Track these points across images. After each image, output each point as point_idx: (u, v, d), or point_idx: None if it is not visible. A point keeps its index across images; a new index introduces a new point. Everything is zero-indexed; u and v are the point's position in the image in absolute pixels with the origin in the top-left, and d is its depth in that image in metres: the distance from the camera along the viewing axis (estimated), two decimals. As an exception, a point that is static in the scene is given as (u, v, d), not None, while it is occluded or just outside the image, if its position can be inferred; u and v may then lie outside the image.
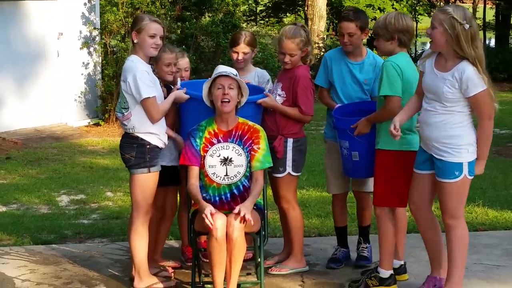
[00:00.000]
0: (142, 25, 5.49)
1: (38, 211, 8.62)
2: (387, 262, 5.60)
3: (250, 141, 5.46)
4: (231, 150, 5.44)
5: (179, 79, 5.91)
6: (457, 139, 5.01)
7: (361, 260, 6.18)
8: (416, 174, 5.26)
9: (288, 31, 5.87)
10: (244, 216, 5.09)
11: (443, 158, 5.05)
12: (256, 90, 5.90)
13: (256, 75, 6.26)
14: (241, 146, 5.45)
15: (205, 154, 5.43)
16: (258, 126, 5.56)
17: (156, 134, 5.47)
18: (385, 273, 5.58)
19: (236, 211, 5.13)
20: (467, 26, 4.86)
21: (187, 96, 5.65)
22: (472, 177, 5.11)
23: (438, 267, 5.43)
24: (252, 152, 5.45)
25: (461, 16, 4.88)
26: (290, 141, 5.89)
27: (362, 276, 5.73)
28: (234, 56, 6.18)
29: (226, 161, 5.43)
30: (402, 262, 5.77)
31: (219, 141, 5.45)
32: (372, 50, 6.36)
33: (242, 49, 6.15)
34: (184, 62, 6.20)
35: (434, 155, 5.09)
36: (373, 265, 6.00)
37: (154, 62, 5.80)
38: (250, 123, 5.53)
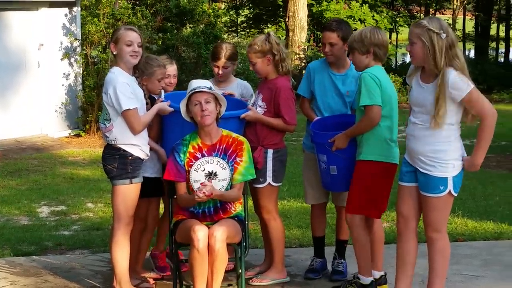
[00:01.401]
0: (118, 35, 5.52)
1: (18, 222, 8.58)
2: (366, 269, 5.63)
3: (235, 154, 5.48)
4: (216, 164, 5.45)
5: (162, 91, 5.93)
6: (444, 154, 5.02)
7: (336, 274, 6.19)
8: (401, 186, 5.27)
9: (250, 41, 6.02)
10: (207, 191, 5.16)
11: (428, 173, 5.06)
12: (239, 104, 5.93)
13: (238, 86, 6.29)
14: (226, 160, 5.46)
15: (189, 168, 5.44)
16: (242, 138, 5.58)
17: (138, 146, 5.49)
18: (366, 279, 5.62)
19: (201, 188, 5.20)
20: (443, 35, 4.91)
21: (170, 109, 5.66)
22: (456, 193, 5.13)
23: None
24: (235, 165, 5.46)
25: (437, 26, 4.94)
26: (270, 152, 5.92)
27: (342, 282, 5.78)
28: (215, 70, 6.24)
29: (211, 175, 5.44)
30: (382, 273, 5.80)
31: (203, 155, 5.46)
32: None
33: (223, 64, 6.19)
34: (173, 68, 6.25)
35: (419, 168, 5.10)
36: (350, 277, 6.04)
37: (145, 75, 5.81)
38: (234, 135, 5.55)
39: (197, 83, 5.49)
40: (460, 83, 4.91)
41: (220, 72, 6.19)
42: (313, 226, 6.38)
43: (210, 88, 5.44)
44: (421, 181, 5.12)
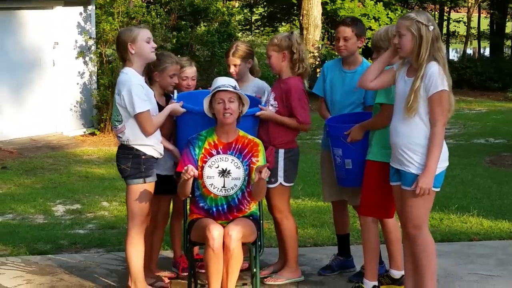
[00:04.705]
0: (134, 34, 5.50)
1: (34, 221, 8.63)
2: (372, 273, 5.65)
3: (250, 155, 5.47)
4: (230, 162, 5.46)
5: (175, 91, 5.93)
6: (419, 149, 4.99)
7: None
8: (393, 187, 5.27)
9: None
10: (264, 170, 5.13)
11: (405, 169, 5.05)
12: (253, 101, 5.92)
13: (254, 86, 6.27)
14: (240, 159, 5.47)
15: (203, 164, 5.45)
16: (257, 140, 5.58)
17: (151, 145, 5.49)
18: (369, 284, 5.64)
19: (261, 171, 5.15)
20: (431, 27, 4.96)
21: (183, 110, 5.66)
22: (438, 189, 5.09)
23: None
24: (252, 165, 5.46)
25: (425, 19, 4.98)
26: (281, 152, 5.91)
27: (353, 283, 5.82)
28: (228, 68, 6.26)
29: (224, 172, 5.44)
30: (403, 272, 5.77)
31: (218, 153, 5.47)
32: (367, 59, 6.39)
33: (233, 62, 6.20)
34: (192, 71, 6.24)
35: (399, 165, 5.09)
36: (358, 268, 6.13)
37: (156, 71, 5.83)
38: (250, 136, 5.56)
39: (222, 81, 5.50)
40: (437, 78, 4.92)
41: (232, 70, 6.20)
42: (335, 224, 6.40)
43: (234, 87, 5.45)
44: (401, 176, 5.11)
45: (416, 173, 5.00)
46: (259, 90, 6.23)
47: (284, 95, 5.89)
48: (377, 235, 5.68)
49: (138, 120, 5.41)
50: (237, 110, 5.43)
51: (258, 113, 5.79)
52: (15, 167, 12.49)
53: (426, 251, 5.13)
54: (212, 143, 5.48)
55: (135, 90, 5.38)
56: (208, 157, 5.46)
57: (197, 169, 5.41)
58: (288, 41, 5.90)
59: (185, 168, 5.14)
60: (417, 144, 5.00)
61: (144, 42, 5.49)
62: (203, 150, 5.46)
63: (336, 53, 6.23)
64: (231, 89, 5.40)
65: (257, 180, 5.20)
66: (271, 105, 5.91)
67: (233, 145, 5.48)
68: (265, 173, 5.15)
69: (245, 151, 5.48)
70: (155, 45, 5.55)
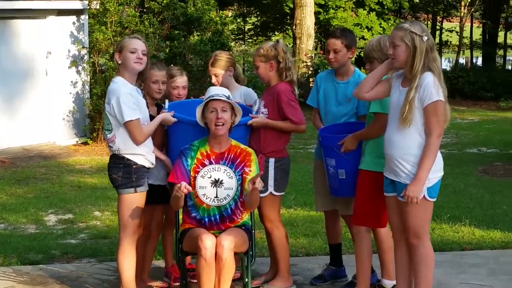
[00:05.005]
0: (122, 43, 5.56)
1: (25, 230, 8.60)
2: (363, 283, 5.67)
3: (243, 164, 5.47)
4: (223, 172, 5.46)
5: (166, 100, 5.93)
6: (417, 159, 4.99)
7: None
8: (386, 198, 5.28)
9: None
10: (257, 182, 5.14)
11: (401, 180, 5.05)
12: (244, 109, 5.92)
13: (241, 94, 6.28)
14: (233, 169, 5.47)
15: (196, 175, 5.45)
16: (250, 149, 5.58)
17: (142, 155, 5.49)
18: None
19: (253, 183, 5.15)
20: (425, 38, 4.97)
21: (174, 119, 5.66)
22: (434, 199, 5.09)
23: None
24: (244, 175, 5.46)
25: (419, 29, 5.00)
26: (271, 161, 5.91)
27: None
28: (211, 79, 6.30)
29: (216, 183, 5.44)
30: (394, 282, 5.79)
31: (210, 163, 5.47)
32: (360, 69, 6.41)
33: (213, 72, 6.27)
34: (182, 80, 6.25)
35: (394, 175, 5.09)
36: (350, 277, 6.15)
37: (143, 80, 5.83)
38: (242, 146, 5.56)
39: (215, 90, 5.51)
40: (432, 89, 4.93)
41: (213, 80, 6.22)
42: (328, 234, 6.40)
43: (228, 97, 5.45)
44: (397, 187, 5.11)
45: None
46: (246, 97, 6.24)
47: (275, 100, 5.90)
48: (370, 244, 5.69)
49: (128, 129, 5.41)
50: (229, 120, 5.43)
51: (250, 122, 5.80)
52: (7, 176, 12.46)
53: (425, 261, 5.14)
54: (205, 153, 5.48)
55: (123, 99, 5.38)
56: (201, 167, 5.45)
57: (189, 179, 5.41)
58: (274, 51, 5.93)
59: (178, 185, 5.13)
60: (412, 155, 5.00)
61: (128, 52, 5.50)
62: (195, 161, 5.46)
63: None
64: (224, 98, 5.41)
65: (251, 190, 5.20)
66: (262, 112, 5.92)
67: (226, 155, 5.49)
68: (259, 184, 5.15)
69: (238, 161, 5.48)
70: (141, 56, 5.51)
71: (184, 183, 5.13)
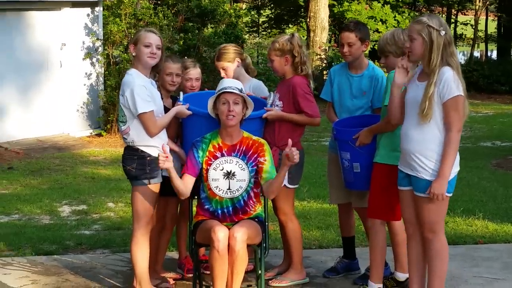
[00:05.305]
0: (137, 36, 5.58)
1: (39, 221, 8.65)
2: (376, 275, 5.67)
3: (256, 155, 5.47)
4: (235, 164, 5.47)
5: (181, 93, 5.94)
6: (432, 154, 4.98)
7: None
8: (400, 191, 5.26)
9: (274, 39, 6.12)
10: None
11: (418, 175, 5.03)
12: (258, 102, 5.92)
13: (251, 87, 6.26)
14: (245, 161, 5.47)
15: (208, 167, 5.46)
16: (262, 140, 5.58)
17: (156, 147, 5.50)
18: (374, 286, 5.65)
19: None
20: (443, 32, 4.93)
21: (189, 112, 5.67)
22: (450, 194, 5.07)
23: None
24: (260, 165, 5.46)
25: (437, 23, 4.96)
26: (286, 153, 5.92)
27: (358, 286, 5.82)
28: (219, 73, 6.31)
29: (229, 175, 5.45)
30: (407, 275, 5.79)
31: (222, 155, 5.48)
32: (374, 62, 6.39)
33: (220, 66, 6.28)
34: (195, 72, 6.26)
35: (410, 170, 5.07)
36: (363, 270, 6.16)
37: (157, 71, 5.84)
38: (254, 137, 5.56)
39: (228, 83, 5.52)
40: (452, 83, 4.90)
41: (222, 74, 6.22)
42: (341, 227, 6.41)
43: (240, 90, 5.46)
44: (413, 181, 5.10)
45: (430, 179, 4.98)
46: (255, 90, 6.22)
47: (290, 93, 5.90)
48: (385, 237, 5.69)
49: (142, 121, 5.43)
50: (240, 112, 5.44)
51: (265, 115, 5.79)
52: (21, 167, 12.53)
53: (440, 255, 5.12)
54: (217, 146, 5.49)
55: (137, 91, 5.40)
56: (213, 160, 5.47)
57: (200, 171, 5.43)
58: (289, 45, 5.90)
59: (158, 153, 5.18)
60: (431, 150, 4.97)
61: (142, 46, 5.51)
62: (207, 153, 5.47)
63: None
64: (236, 91, 5.41)
65: (282, 168, 5.19)
66: (276, 105, 5.91)
67: (238, 147, 5.49)
68: (295, 154, 5.11)
69: (250, 152, 5.49)
70: (154, 51, 5.53)
71: (165, 148, 5.18)
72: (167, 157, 5.15)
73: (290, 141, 5.18)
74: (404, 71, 5.18)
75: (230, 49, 6.29)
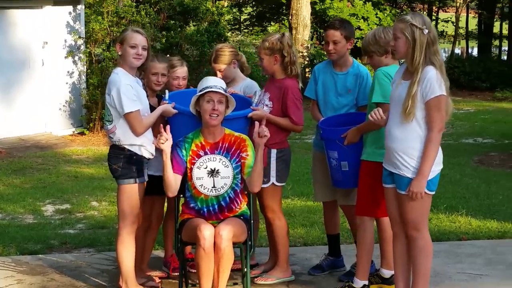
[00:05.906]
0: (124, 36, 5.57)
1: (23, 220, 8.62)
2: (362, 272, 5.69)
3: (238, 151, 5.50)
4: (218, 162, 5.48)
5: (167, 91, 5.94)
6: (417, 152, 5.00)
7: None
8: (385, 189, 5.28)
9: (264, 37, 6.13)
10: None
11: (400, 173, 5.05)
12: (244, 101, 5.93)
13: (242, 87, 6.28)
14: (228, 158, 5.49)
15: (192, 166, 5.47)
16: (244, 136, 5.59)
17: (142, 146, 5.51)
18: (359, 283, 5.68)
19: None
20: (426, 31, 4.95)
21: (174, 111, 5.66)
22: (433, 192, 5.09)
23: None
24: (242, 160, 5.48)
25: (420, 22, 4.96)
26: (273, 152, 5.93)
27: (343, 283, 5.85)
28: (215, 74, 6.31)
29: (213, 172, 5.46)
30: (393, 272, 5.81)
31: (206, 153, 5.49)
32: (357, 59, 6.41)
33: (217, 68, 6.28)
34: (182, 70, 6.25)
35: (393, 168, 5.09)
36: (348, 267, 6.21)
37: (143, 70, 5.83)
38: (236, 133, 5.57)
39: (213, 81, 5.52)
40: (435, 83, 4.92)
41: (219, 76, 6.21)
42: (326, 224, 6.43)
43: (225, 90, 5.47)
44: (396, 179, 5.13)
45: (412, 177, 5.00)
46: (246, 89, 6.23)
47: (282, 95, 5.91)
48: (373, 235, 5.71)
49: (127, 120, 5.43)
50: (223, 112, 5.46)
51: (250, 114, 5.79)
52: (3, 166, 12.47)
53: (424, 253, 5.14)
54: (199, 144, 5.50)
55: (123, 90, 5.40)
56: (196, 159, 5.48)
57: (185, 169, 5.43)
58: (279, 44, 5.91)
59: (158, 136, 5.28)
60: (413, 148, 4.99)
61: (128, 47, 5.51)
62: (190, 152, 5.48)
63: (325, 53, 6.24)
64: (221, 91, 5.42)
65: (257, 150, 5.35)
66: (266, 105, 5.93)
67: (220, 144, 5.50)
68: (265, 130, 5.35)
69: (233, 149, 5.50)
70: (140, 52, 5.52)
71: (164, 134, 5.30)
72: (167, 139, 5.24)
73: (257, 124, 5.39)
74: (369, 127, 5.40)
75: (226, 51, 6.29)
